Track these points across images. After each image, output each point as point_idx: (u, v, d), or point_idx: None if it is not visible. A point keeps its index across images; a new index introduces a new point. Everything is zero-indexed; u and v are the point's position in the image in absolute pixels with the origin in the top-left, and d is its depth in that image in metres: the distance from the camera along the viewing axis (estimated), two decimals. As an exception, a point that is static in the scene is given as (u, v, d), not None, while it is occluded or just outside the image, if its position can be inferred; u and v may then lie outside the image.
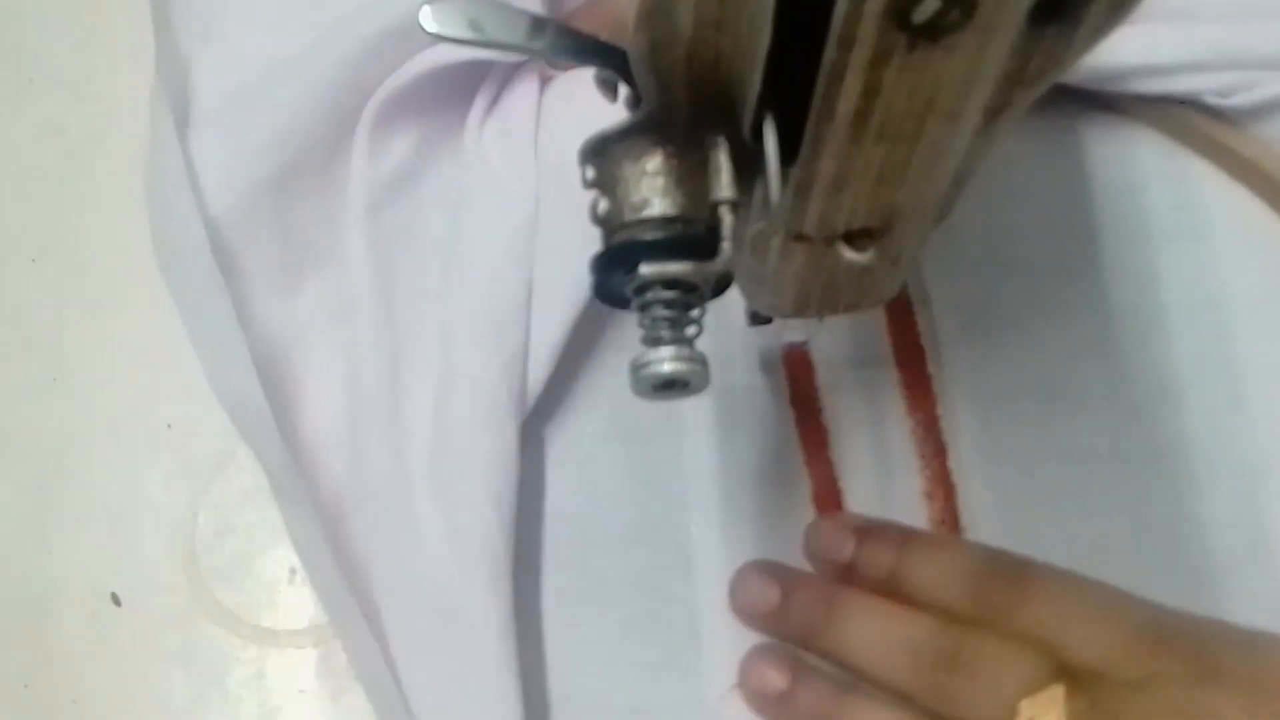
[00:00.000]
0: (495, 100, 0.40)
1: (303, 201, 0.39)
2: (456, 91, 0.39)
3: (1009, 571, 0.33)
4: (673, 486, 0.38)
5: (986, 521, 0.37)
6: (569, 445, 0.39)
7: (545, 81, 0.40)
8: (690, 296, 0.25)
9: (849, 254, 0.26)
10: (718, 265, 0.25)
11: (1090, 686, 0.30)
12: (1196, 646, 0.30)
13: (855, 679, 0.33)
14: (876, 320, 0.39)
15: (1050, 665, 0.30)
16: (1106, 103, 0.40)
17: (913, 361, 0.39)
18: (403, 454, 0.36)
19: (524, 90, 0.39)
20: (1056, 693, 0.30)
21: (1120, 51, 0.38)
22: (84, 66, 0.44)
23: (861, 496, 0.38)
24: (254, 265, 0.38)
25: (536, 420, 0.38)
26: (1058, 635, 0.31)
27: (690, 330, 0.25)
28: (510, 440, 0.36)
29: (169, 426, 0.40)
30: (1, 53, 0.44)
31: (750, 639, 0.36)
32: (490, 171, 0.39)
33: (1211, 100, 0.39)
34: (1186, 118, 0.39)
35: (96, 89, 0.44)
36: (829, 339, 0.39)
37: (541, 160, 0.38)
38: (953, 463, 0.38)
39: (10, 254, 0.42)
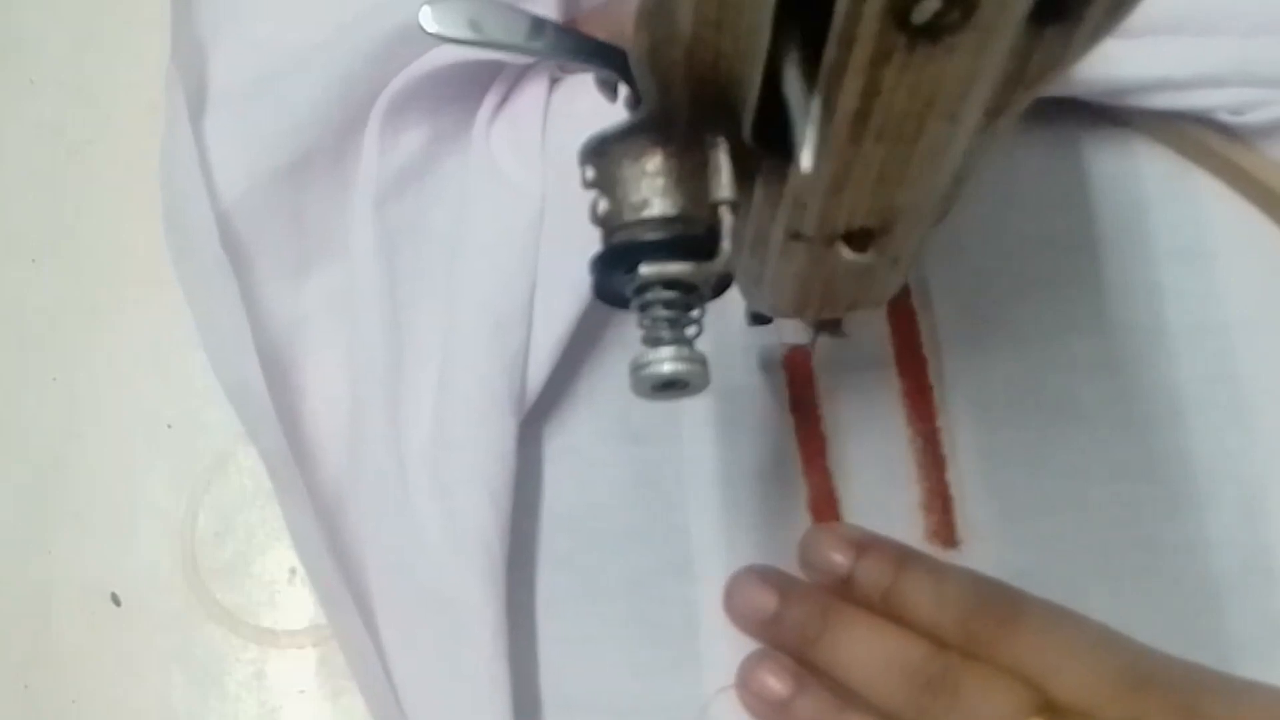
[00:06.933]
0: (505, 99, 0.40)
1: (313, 192, 0.39)
2: (467, 89, 0.40)
3: (1001, 604, 0.33)
4: (670, 488, 0.38)
5: (983, 536, 0.37)
6: (568, 444, 0.39)
7: (555, 82, 0.40)
8: (690, 296, 0.25)
9: (849, 254, 0.26)
10: (718, 265, 0.25)
11: None
12: (1178, 690, 0.30)
13: (850, 693, 0.34)
14: (879, 328, 0.39)
15: (1034, 699, 0.31)
16: (1117, 118, 0.40)
17: (915, 371, 0.39)
18: (401, 447, 0.36)
19: (533, 90, 0.40)
20: None
21: (1135, 65, 0.38)
22: (84, 66, 0.44)
23: (858, 506, 0.37)
24: (262, 253, 0.38)
25: (536, 418, 0.38)
26: (1044, 670, 0.31)
27: (690, 330, 0.25)
28: (508, 437, 0.36)
29: (169, 426, 0.40)
30: (1, 53, 0.44)
31: (749, 642, 0.36)
32: (497, 170, 0.39)
33: (1224, 118, 0.38)
34: (1198, 135, 0.39)
35: (96, 89, 0.44)
36: (830, 345, 0.39)
37: (548, 160, 0.39)
38: (951, 475, 0.37)
39: (10, 254, 0.42)
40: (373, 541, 0.36)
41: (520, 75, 0.40)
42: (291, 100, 0.38)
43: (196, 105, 0.39)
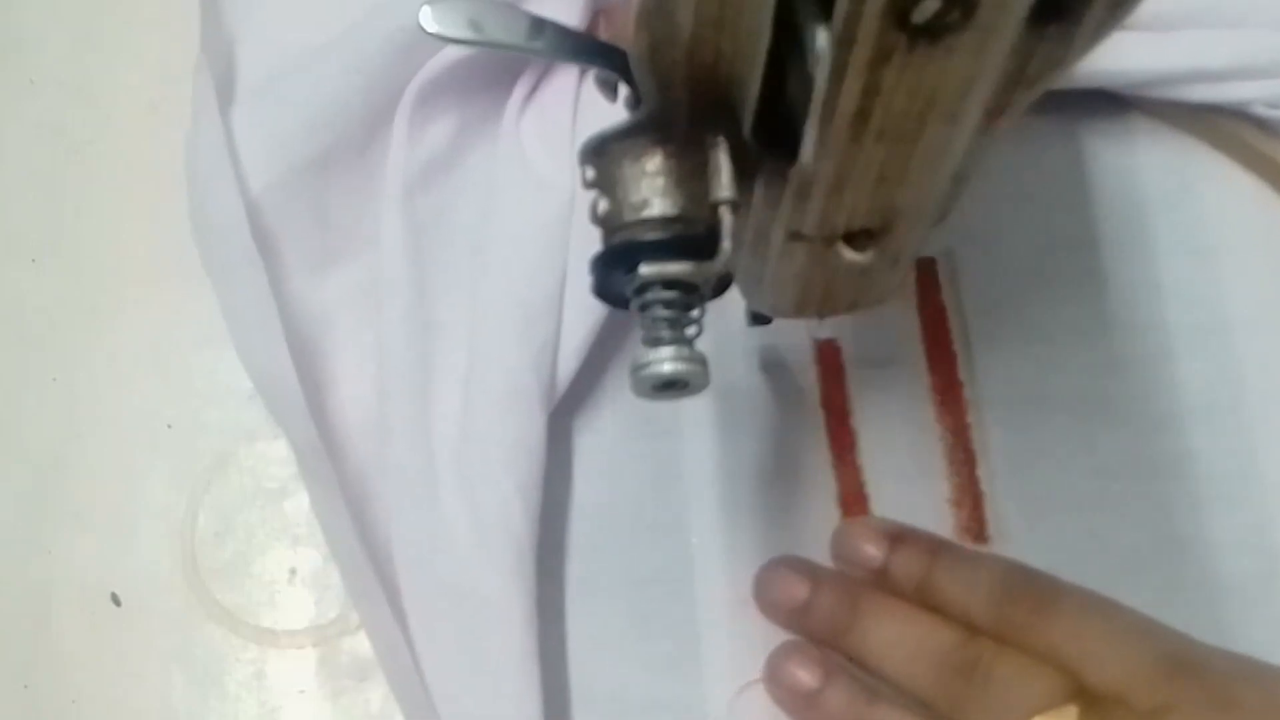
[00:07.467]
0: (534, 89, 0.40)
1: (340, 183, 0.39)
2: (496, 79, 0.39)
3: (1036, 590, 0.33)
4: (694, 483, 0.38)
5: (1013, 531, 0.37)
6: (595, 438, 0.39)
7: (584, 72, 0.39)
8: (690, 296, 0.25)
9: (849, 254, 0.26)
10: (718, 265, 0.25)
11: (1105, 710, 0.30)
12: (1214, 677, 0.30)
13: (879, 682, 0.34)
14: (909, 324, 0.39)
15: (1068, 685, 0.30)
16: (1150, 110, 0.40)
17: (945, 367, 0.39)
18: (429, 439, 0.36)
19: (563, 81, 0.39)
20: (1069, 713, 0.30)
21: (1171, 56, 0.38)
22: (84, 66, 0.44)
23: (888, 501, 0.37)
24: (290, 245, 0.38)
25: (565, 412, 0.38)
26: (1079, 657, 0.31)
27: (690, 330, 0.25)
28: (538, 430, 0.36)
29: (169, 426, 0.40)
30: (1, 53, 0.44)
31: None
32: (527, 161, 0.39)
33: (1260, 111, 0.38)
34: (1233, 128, 0.39)
35: (96, 89, 0.44)
36: (861, 342, 0.39)
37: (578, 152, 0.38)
38: (981, 471, 0.38)
39: (10, 254, 0.42)
40: (400, 533, 0.36)
41: (550, 65, 0.40)
42: (317, 92, 0.38)
43: (224, 96, 0.39)
